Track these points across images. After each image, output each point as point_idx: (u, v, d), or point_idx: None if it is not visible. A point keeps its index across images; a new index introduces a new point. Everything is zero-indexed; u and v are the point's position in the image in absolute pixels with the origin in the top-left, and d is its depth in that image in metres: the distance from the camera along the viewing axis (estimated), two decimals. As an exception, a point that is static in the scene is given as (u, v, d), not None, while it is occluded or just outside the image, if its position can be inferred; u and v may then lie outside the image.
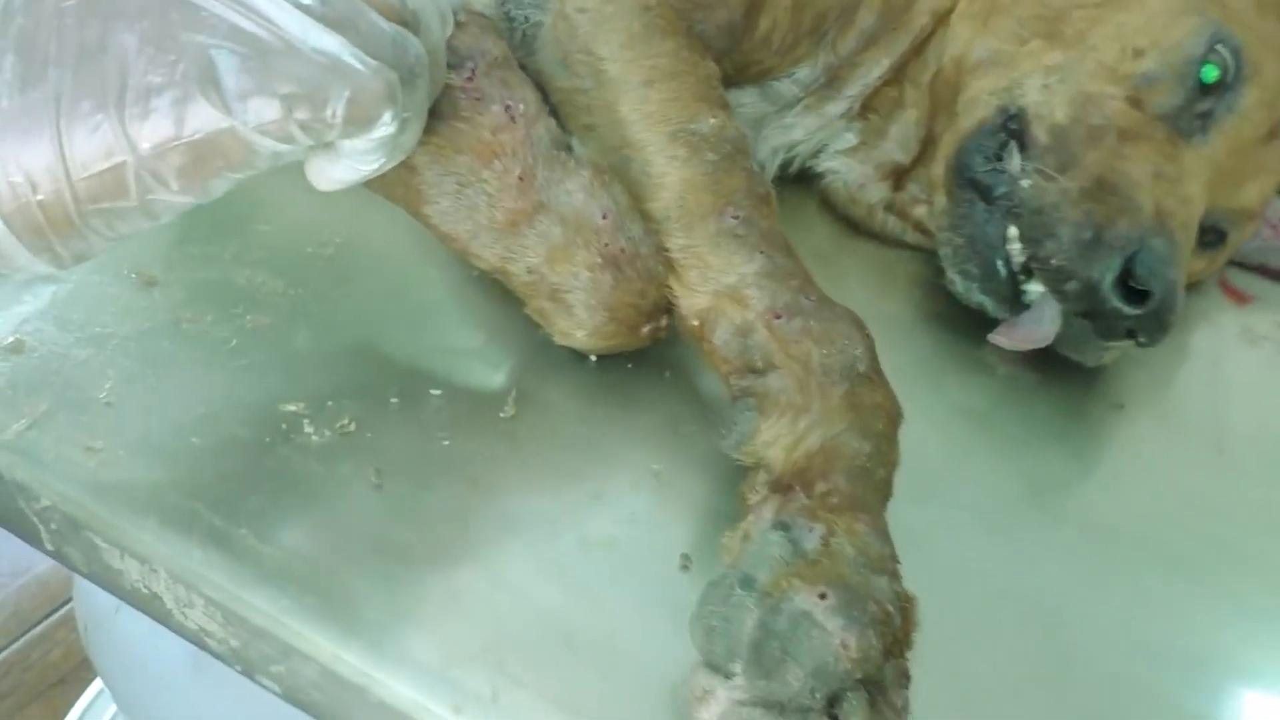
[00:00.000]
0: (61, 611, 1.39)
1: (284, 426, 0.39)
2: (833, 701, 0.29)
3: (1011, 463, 0.47)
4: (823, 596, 0.30)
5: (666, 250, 0.41)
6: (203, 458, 0.38)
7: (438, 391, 0.42)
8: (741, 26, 0.52)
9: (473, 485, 0.38)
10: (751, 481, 0.38)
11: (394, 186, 0.40)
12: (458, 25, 0.38)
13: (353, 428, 0.40)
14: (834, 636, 0.30)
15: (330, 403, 0.40)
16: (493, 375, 0.43)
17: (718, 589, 0.32)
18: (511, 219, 0.39)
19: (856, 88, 0.58)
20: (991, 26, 0.55)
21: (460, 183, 0.39)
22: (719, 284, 0.40)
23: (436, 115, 0.37)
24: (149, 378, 0.40)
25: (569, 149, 0.40)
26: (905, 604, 0.33)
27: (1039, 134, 0.51)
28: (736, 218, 0.41)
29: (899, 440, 0.39)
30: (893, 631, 0.31)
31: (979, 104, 0.54)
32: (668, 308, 0.42)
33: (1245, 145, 0.53)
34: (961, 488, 0.45)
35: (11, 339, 0.40)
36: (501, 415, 0.41)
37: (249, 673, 0.35)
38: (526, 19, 0.45)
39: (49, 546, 0.38)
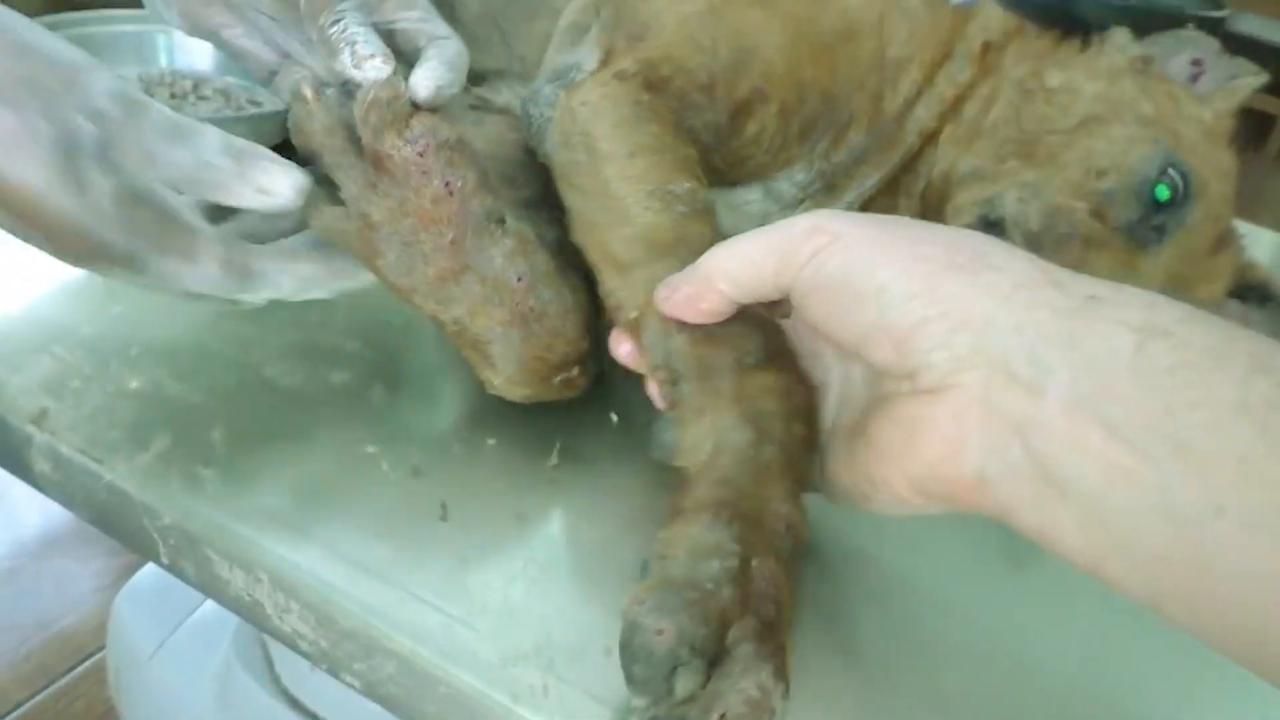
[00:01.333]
0: (85, 665, 1.43)
1: (365, 466, 0.46)
2: (670, 679, 0.33)
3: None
4: (641, 602, 0.34)
5: (617, 256, 0.46)
6: (298, 487, 0.45)
7: (493, 440, 0.49)
8: (728, 129, 0.59)
9: (522, 520, 0.45)
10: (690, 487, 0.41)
11: (354, 240, 0.45)
12: (427, 110, 0.44)
13: (422, 468, 0.47)
14: (649, 629, 0.33)
15: (402, 447, 0.48)
16: (540, 429, 0.50)
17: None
18: (441, 275, 0.44)
19: (853, 195, 0.66)
20: (974, 148, 0.63)
21: (404, 241, 0.44)
22: (652, 291, 0.45)
23: (394, 182, 0.44)
24: (251, 421, 0.47)
25: (501, 222, 0.45)
26: (752, 571, 0.36)
27: (1015, 239, 0.58)
28: (688, 252, 0.45)
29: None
30: (719, 603, 0.35)
31: (964, 212, 0.61)
32: (578, 360, 0.47)
33: (1195, 254, 0.61)
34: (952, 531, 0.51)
35: (135, 385, 0.48)
36: (548, 463, 0.48)
37: (334, 671, 0.42)
38: (542, 115, 0.54)
39: (165, 560, 0.44)
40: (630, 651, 0.34)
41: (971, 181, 0.62)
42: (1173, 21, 1.17)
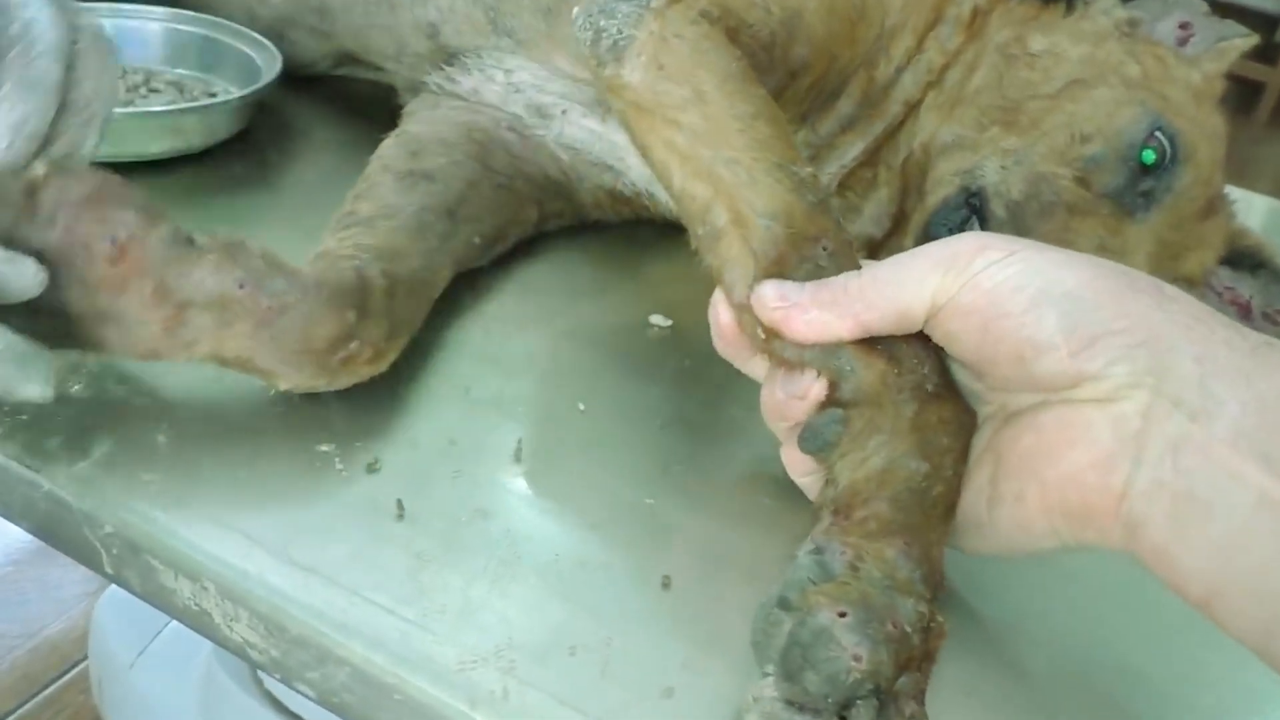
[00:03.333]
0: (71, 674, 1.41)
1: (317, 464, 0.44)
2: (845, 706, 0.32)
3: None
4: (842, 614, 0.33)
5: (752, 242, 0.43)
6: (247, 489, 0.42)
7: (453, 434, 0.47)
8: (780, 91, 0.56)
9: (483, 516, 0.43)
10: (823, 497, 0.41)
11: (69, 337, 0.41)
12: (41, 180, 0.38)
13: (379, 466, 0.45)
14: (847, 650, 0.32)
15: (359, 444, 0.45)
16: (503, 422, 0.48)
17: (763, 608, 0.36)
18: (168, 326, 0.40)
19: (834, 167, 0.64)
20: (956, 115, 0.61)
21: (112, 316, 0.40)
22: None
23: (66, 267, 0.39)
24: (199, 424, 0.45)
25: (190, 241, 0.41)
26: (931, 624, 0.35)
27: (997, 209, 0.56)
28: (827, 249, 0.43)
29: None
30: (909, 650, 0.34)
31: (944, 183, 0.59)
32: (349, 336, 0.44)
33: (1184, 220, 0.59)
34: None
35: (75, 389, 0.46)
36: (510, 456, 0.46)
37: (288, 680, 0.40)
38: (620, 31, 0.50)
39: (109, 570, 0.42)
40: (811, 660, 0.32)
41: (952, 150, 0.60)
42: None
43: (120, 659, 1.04)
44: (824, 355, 0.41)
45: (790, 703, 0.33)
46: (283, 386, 0.44)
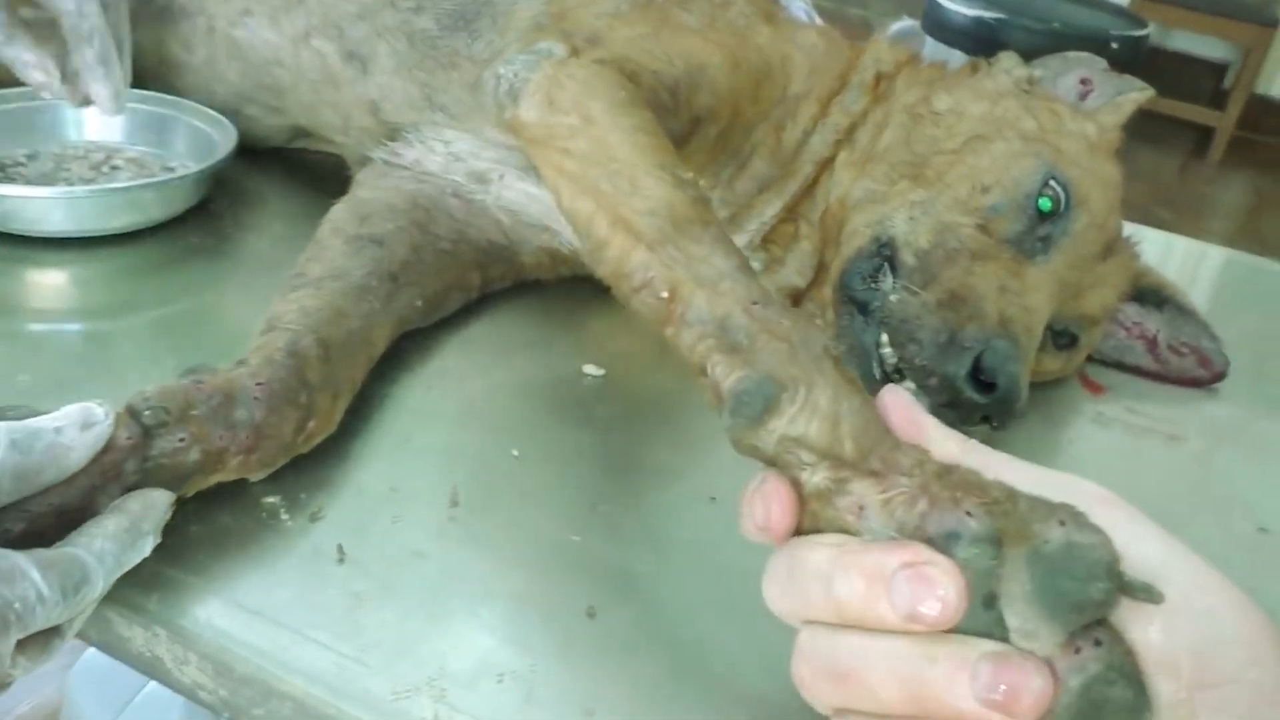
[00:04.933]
0: (42, 750, 1.40)
1: (264, 515, 0.47)
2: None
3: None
4: (1061, 523, 0.32)
5: (638, 233, 0.45)
6: (197, 541, 0.45)
7: (394, 482, 0.50)
8: (684, 136, 0.61)
9: (420, 557, 0.46)
10: (790, 463, 0.37)
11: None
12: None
13: (321, 514, 0.47)
14: (1096, 542, 0.31)
15: (303, 495, 0.48)
16: (441, 469, 0.51)
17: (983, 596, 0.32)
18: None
19: (755, 224, 0.68)
20: (868, 171, 0.65)
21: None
22: (696, 270, 0.43)
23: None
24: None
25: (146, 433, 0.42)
26: None
27: (906, 257, 0.60)
28: (716, 229, 0.46)
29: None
30: None
31: (858, 234, 0.63)
32: (307, 417, 0.48)
33: (1082, 262, 0.63)
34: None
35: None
36: (446, 502, 0.49)
37: (235, 718, 0.42)
38: (516, 75, 0.55)
39: (66, 621, 0.45)
40: (1074, 572, 0.31)
41: (865, 204, 0.64)
42: (1098, 43, 1.22)
43: (93, 725, 1.05)
44: (717, 325, 0.41)
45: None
46: (259, 478, 0.47)
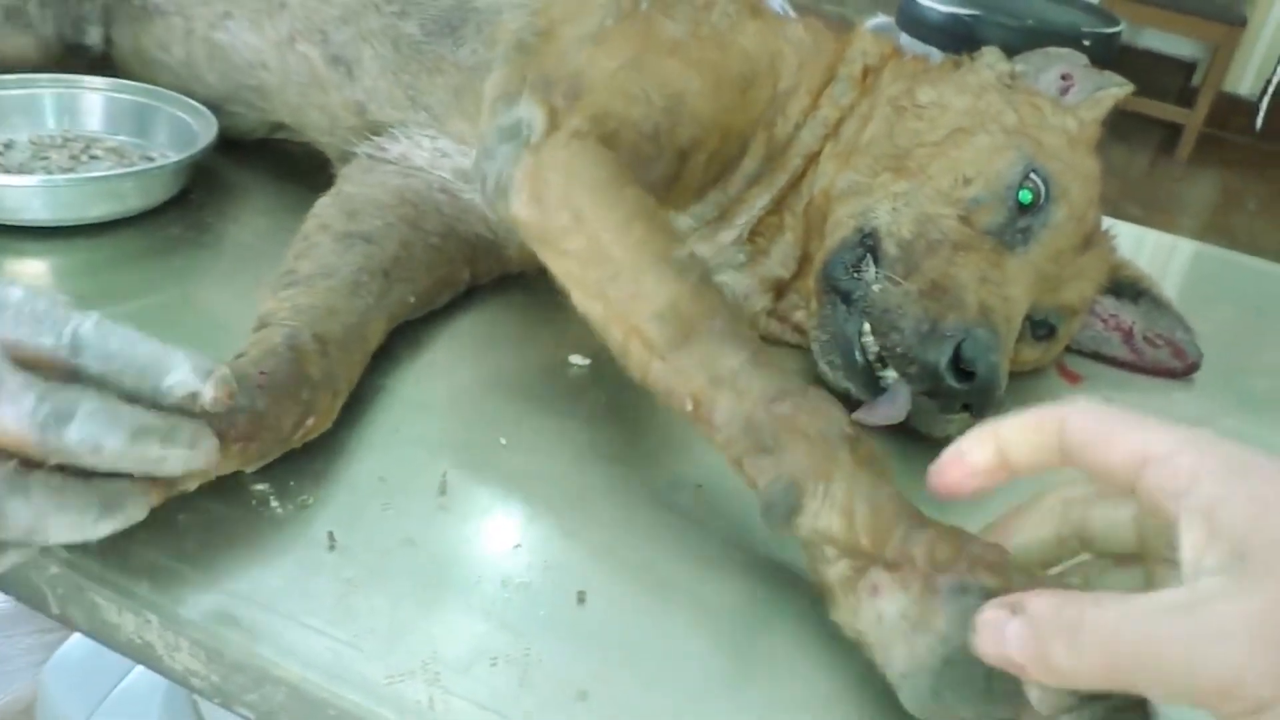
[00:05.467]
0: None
1: (254, 502, 0.47)
2: None
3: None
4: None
5: (652, 343, 0.47)
6: (187, 529, 0.45)
7: (383, 472, 0.50)
8: (673, 178, 0.61)
9: (410, 544, 0.46)
10: (818, 556, 0.43)
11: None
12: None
13: (311, 502, 0.48)
14: None
15: (292, 482, 0.48)
16: (430, 458, 0.51)
17: (969, 682, 0.38)
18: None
19: (744, 218, 0.68)
20: (852, 164, 0.66)
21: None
22: (713, 371, 0.46)
23: None
24: (140, 467, 0.48)
25: None
26: None
27: (889, 248, 0.61)
28: (722, 320, 0.48)
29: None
30: None
31: (841, 225, 0.64)
32: (307, 413, 0.48)
33: (1062, 254, 0.64)
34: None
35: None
36: (435, 491, 0.49)
37: (228, 704, 0.42)
38: (501, 173, 0.55)
39: (55, 610, 0.45)
40: None
41: (848, 196, 0.65)
42: (1070, 39, 1.23)
43: (70, 720, 1.04)
44: (743, 424, 0.45)
45: None
46: (251, 470, 0.47)
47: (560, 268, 0.52)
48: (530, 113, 0.57)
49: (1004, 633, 0.34)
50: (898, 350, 0.57)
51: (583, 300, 0.51)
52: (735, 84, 0.64)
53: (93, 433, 0.36)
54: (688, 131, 0.60)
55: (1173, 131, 4.13)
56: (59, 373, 0.38)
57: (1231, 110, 4.20)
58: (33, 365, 0.38)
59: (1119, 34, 2.37)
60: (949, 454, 0.40)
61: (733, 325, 0.48)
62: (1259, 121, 2.66)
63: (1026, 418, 0.39)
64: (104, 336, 0.39)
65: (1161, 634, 0.31)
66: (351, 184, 0.67)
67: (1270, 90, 2.43)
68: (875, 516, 0.42)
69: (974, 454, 0.39)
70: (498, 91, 0.61)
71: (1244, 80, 4.23)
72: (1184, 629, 0.31)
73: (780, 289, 0.68)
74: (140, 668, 0.95)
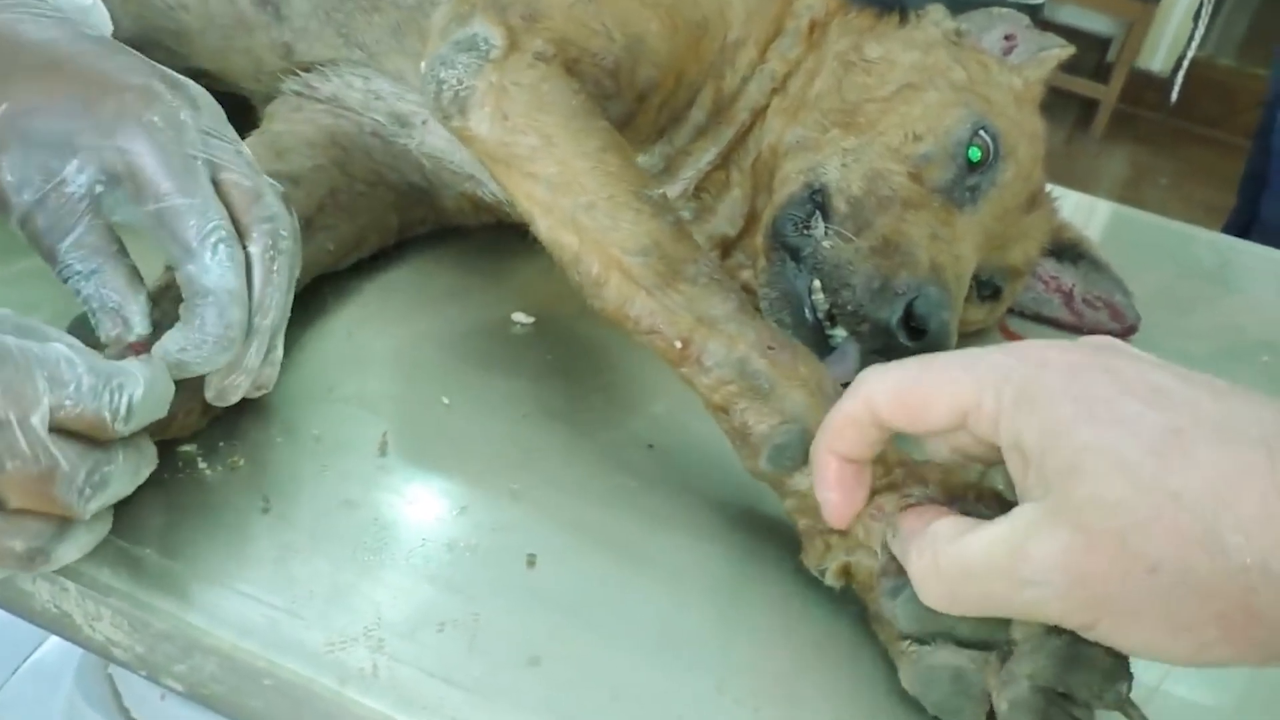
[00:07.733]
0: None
1: (180, 464, 0.44)
2: None
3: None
4: None
5: (636, 278, 0.46)
6: (107, 490, 0.42)
7: (317, 432, 0.47)
8: (628, 118, 0.59)
9: (350, 506, 0.44)
10: (811, 506, 0.42)
11: None
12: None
13: (242, 463, 0.45)
14: None
15: (222, 443, 0.46)
16: (367, 418, 0.49)
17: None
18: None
19: (690, 172, 0.67)
20: (800, 119, 0.65)
21: None
22: (701, 313, 0.45)
23: None
24: (54, 426, 0.45)
25: None
26: None
27: (839, 204, 0.60)
28: (706, 265, 0.47)
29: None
30: None
31: (790, 181, 0.63)
32: (193, 408, 0.44)
33: (1009, 213, 0.63)
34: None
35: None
36: (375, 450, 0.47)
37: (154, 676, 0.40)
38: (460, 82, 0.51)
39: (-38, 577, 0.41)
40: None
41: (797, 151, 0.64)
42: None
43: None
44: (737, 370, 0.44)
45: None
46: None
47: (523, 190, 0.49)
48: (485, 30, 0.53)
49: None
50: (848, 307, 0.56)
51: (551, 228, 0.48)
52: (690, 30, 0.62)
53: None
54: (646, 72, 0.58)
55: (1089, 107, 4.22)
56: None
57: (1145, 86, 4.29)
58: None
59: (1042, 7, 2.40)
60: (827, 505, 0.41)
61: (716, 271, 0.47)
62: (1172, 98, 2.73)
63: (835, 421, 0.39)
64: None
65: (990, 570, 0.34)
66: (279, 122, 0.64)
67: (1183, 67, 2.49)
68: (878, 465, 0.42)
69: (833, 490, 0.40)
70: (447, 18, 0.58)
71: (1157, 57, 4.33)
72: (1005, 568, 0.34)
73: (726, 247, 0.66)
74: (54, 639, 0.91)
